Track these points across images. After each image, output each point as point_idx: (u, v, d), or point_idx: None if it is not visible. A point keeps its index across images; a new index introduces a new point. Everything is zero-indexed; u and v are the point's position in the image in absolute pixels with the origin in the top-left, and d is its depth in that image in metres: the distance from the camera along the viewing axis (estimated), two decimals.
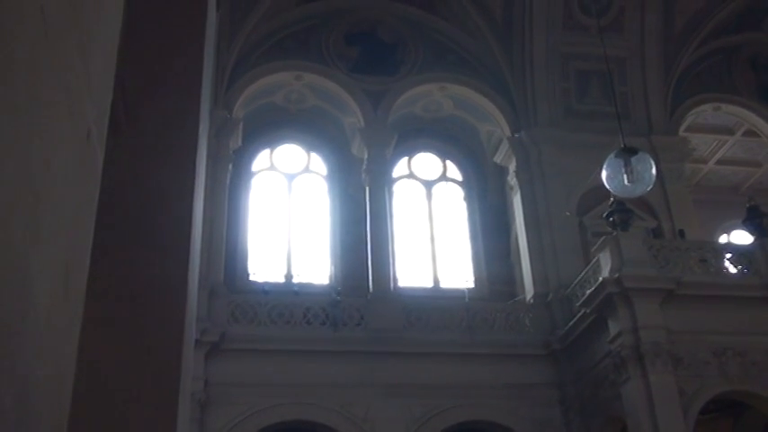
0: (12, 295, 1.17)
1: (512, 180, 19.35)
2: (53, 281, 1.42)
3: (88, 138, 1.68)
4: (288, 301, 16.62)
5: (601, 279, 14.68)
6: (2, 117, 1.14)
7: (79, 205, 1.62)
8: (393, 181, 20.47)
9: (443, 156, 21.31)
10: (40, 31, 1.30)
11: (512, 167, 19.38)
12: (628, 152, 8.98)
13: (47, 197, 1.36)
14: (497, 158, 20.03)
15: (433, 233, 20.11)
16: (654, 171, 9.05)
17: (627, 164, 8.91)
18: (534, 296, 17.51)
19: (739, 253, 15.67)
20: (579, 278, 16.29)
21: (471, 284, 19.34)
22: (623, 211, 15.16)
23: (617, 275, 14.30)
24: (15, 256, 1.20)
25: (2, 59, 1.14)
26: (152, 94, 4.59)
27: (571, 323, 16.18)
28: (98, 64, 1.75)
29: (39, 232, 1.31)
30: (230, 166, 18.10)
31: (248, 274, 18.51)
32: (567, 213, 18.04)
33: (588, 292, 15.09)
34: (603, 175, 9.20)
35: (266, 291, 17.38)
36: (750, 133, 21.72)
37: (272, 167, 20.36)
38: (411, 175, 21.06)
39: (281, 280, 18.70)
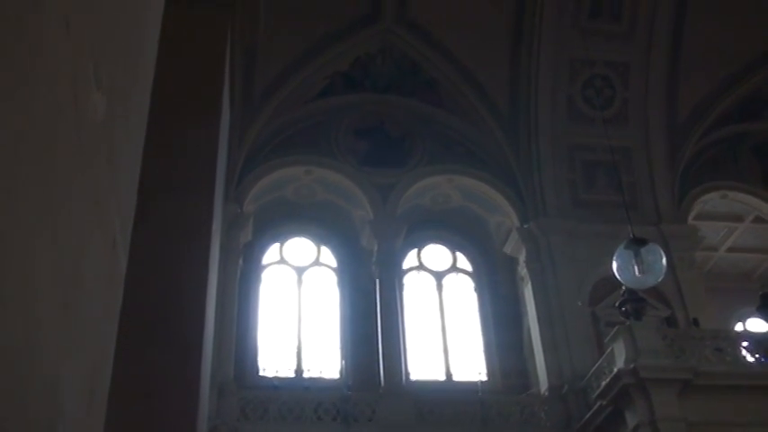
0: (43, 410, 1.21)
1: (522, 271, 19.33)
2: (80, 393, 1.45)
3: (114, 247, 1.75)
4: (298, 397, 16.41)
5: (616, 370, 14.49)
6: (41, 234, 1.20)
7: (104, 316, 1.67)
8: (403, 273, 20.46)
9: (453, 247, 21.36)
10: (77, 148, 1.38)
11: (522, 258, 19.39)
12: (637, 243, 9.02)
13: (76, 309, 1.41)
14: (507, 249, 20.07)
15: (445, 325, 19.96)
16: (664, 261, 9.06)
17: (637, 255, 8.93)
18: (549, 389, 17.24)
19: (756, 341, 15.49)
20: (594, 369, 16.08)
21: (484, 377, 19.06)
22: (636, 301, 15.07)
23: (632, 366, 14.12)
24: (47, 370, 1.24)
25: (41, 178, 1.21)
26: (165, 193, 4.70)
27: (587, 416, 15.87)
28: (124, 174, 1.83)
29: (68, 345, 1.36)
30: (240, 260, 18.19)
31: (258, 370, 18.32)
32: (579, 303, 17.94)
33: (603, 383, 14.87)
34: (614, 266, 9.21)
35: (276, 386, 17.17)
36: (760, 220, 21.78)
37: (281, 261, 20.43)
38: (421, 267, 21.06)
39: (292, 375, 18.49)
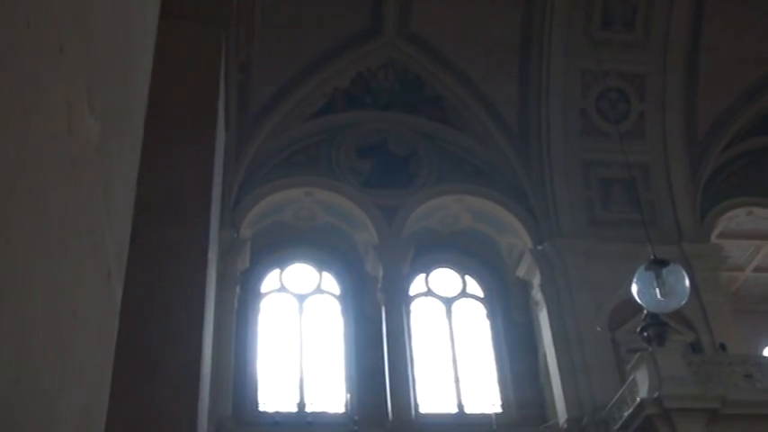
0: None
1: (537, 295, 19.30)
2: (76, 428, 1.47)
3: (108, 277, 1.77)
4: None
5: (639, 400, 14.43)
6: (33, 266, 1.23)
7: (100, 350, 1.69)
8: (410, 299, 20.43)
9: (463, 271, 21.34)
10: (70, 175, 1.41)
11: (536, 281, 19.36)
12: (658, 264, 9.01)
13: (70, 344, 1.43)
14: (520, 272, 20.05)
15: (455, 354, 19.90)
16: (687, 283, 9.06)
17: (658, 276, 8.92)
18: (568, 420, 17.14)
19: None
20: (615, 399, 16.00)
21: (498, 409, 18.96)
22: (658, 325, 15.03)
23: (656, 395, 14.06)
24: (43, 404, 1.26)
25: (33, 207, 1.24)
26: (159, 218, 4.72)
27: None
28: (119, 200, 1.85)
29: (63, 382, 1.38)
30: (238, 289, 18.19)
31: (258, 405, 18.25)
32: (598, 329, 17.89)
33: (626, 414, 14.80)
34: (634, 289, 9.20)
35: (277, 422, 17.11)
36: None
37: (281, 288, 20.42)
38: (429, 293, 21.03)
39: (294, 410, 18.41)
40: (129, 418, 3.74)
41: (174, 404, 4.08)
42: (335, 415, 18.28)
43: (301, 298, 20.36)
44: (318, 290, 20.61)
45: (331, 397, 18.82)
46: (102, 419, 1.78)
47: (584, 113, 20.30)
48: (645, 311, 14.57)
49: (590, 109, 20.31)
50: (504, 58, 20.09)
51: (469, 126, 20.53)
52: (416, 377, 18.70)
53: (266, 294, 20.20)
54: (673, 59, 20.20)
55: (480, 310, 20.91)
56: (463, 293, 21.18)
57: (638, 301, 9.58)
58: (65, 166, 1.35)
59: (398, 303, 18.97)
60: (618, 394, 15.95)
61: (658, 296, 9.08)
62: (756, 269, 22.99)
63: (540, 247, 19.41)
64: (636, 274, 9.35)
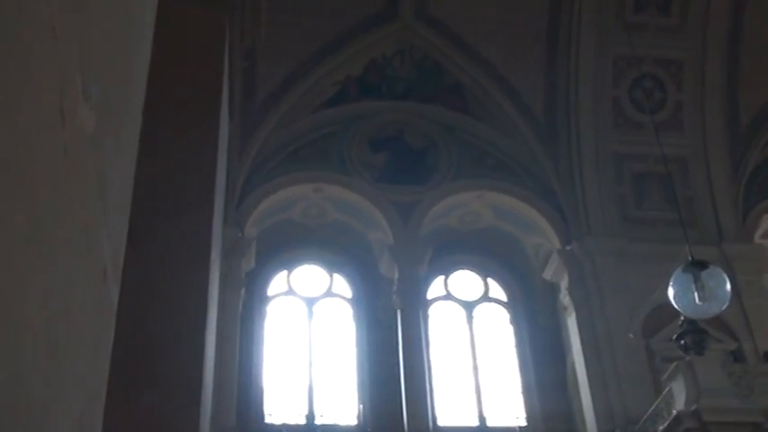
0: None
1: (564, 299, 19.26)
2: None
3: (104, 277, 1.78)
4: None
5: (675, 413, 14.38)
6: (24, 265, 1.24)
7: (95, 356, 1.70)
8: (428, 303, 20.43)
9: (485, 273, 21.32)
10: (64, 168, 1.41)
11: (564, 284, 19.32)
12: (697, 266, 8.98)
13: (64, 347, 1.44)
14: (547, 274, 20.01)
15: (477, 362, 19.89)
16: (728, 287, 9.02)
17: (697, 280, 8.89)
18: None
19: None
20: (650, 412, 15.94)
21: (523, 422, 18.95)
22: (697, 332, 14.95)
23: (694, 408, 14.01)
24: (34, 413, 1.27)
25: (24, 203, 1.25)
26: (158, 215, 4.74)
27: None
28: (115, 196, 1.86)
29: (56, 389, 1.39)
30: (242, 291, 18.25)
31: (264, 416, 18.31)
32: (631, 336, 17.84)
33: (661, 428, 14.76)
34: (671, 293, 9.18)
35: None
36: None
37: (289, 291, 20.47)
38: (448, 296, 21.02)
39: (302, 421, 18.47)
40: (125, 429, 3.76)
41: (174, 414, 4.10)
42: (347, 427, 18.31)
43: (310, 301, 20.39)
44: (329, 293, 20.63)
45: (342, 408, 18.85)
46: (98, 429, 1.79)
47: (616, 103, 20.22)
48: (682, 317, 14.51)
49: (623, 98, 20.23)
50: (529, 43, 20.03)
51: (492, 116, 20.49)
52: (434, 387, 18.70)
53: (273, 298, 20.24)
54: (712, 45, 20.08)
55: (503, 315, 20.88)
56: (485, 297, 21.15)
57: (675, 305, 9.55)
58: (57, 158, 1.36)
59: (415, 308, 18.97)
60: (652, 407, 15.90)
61: (697, 301, 9.04)
62: None
63: (568, 248, 19.36)
64: (672, 277, 9.32)
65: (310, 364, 19.36)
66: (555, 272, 19.72)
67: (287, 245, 20.46)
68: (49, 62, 1.28)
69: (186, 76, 5.23)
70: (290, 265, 20.69)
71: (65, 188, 1.42)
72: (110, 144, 1.70)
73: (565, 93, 19.99)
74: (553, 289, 20.12)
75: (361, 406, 18.81)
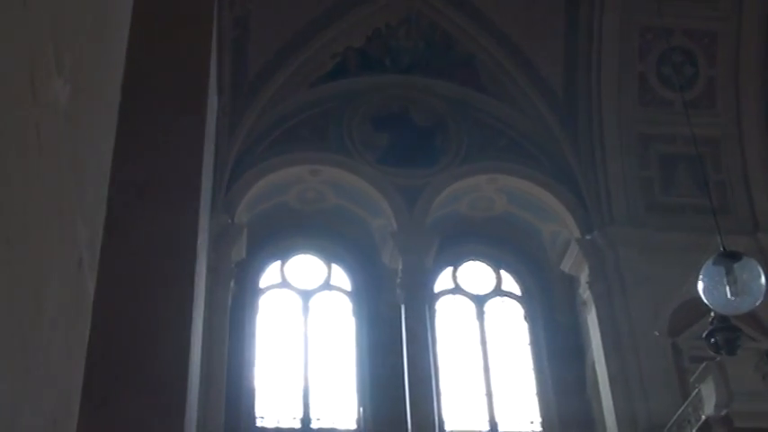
0: None
1: (584, 293, 19.28)
2: None
3: (79, 266, 1.78)
4: None
5: (704, 417, 14.42)
6: None
7: (68, 353, 1.70)
8: (435, 297, 20.46)
9: (497, 264, 21.34)
10: (35, 146, 1.41)
11: (583, 277, 19.33)
12: (729, 257, 8.97)
13: (34, 345, 1.44)
14: (565, 266, 20.02)
15: (488, 362, 19.93)
16: (763, 280, 9.00)
17: (729, 272, 8.88)
18: None
19: None
20: (676, 417, 15.99)
21: (538, 427, 19.02)
22: (728, 330, 14.93)
23: (725, 412, 14.05)
24: (4, 416, 1.27)
25: None
26: (139, 200, 4.74)
27: None
28: (92, 177, 1.86)
29: (25, 390, 1.39)
30: (232, 283, 18.27)
31: (255, 419, 18.38)
32: (657, 334, 17.88)
33: None
34: (700, 286, 9.16)
35: None
36: None
37: (283, 283, 20.50)
38: (457, 290, 21.05)
39: (297, 425, 18.53)
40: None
41: (157, 417, 4.10)
42: None
43: (306, 295, 20.42)
44: (326, 285, 20.66)
45: (340, 411, 18.91)
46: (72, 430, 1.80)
47: (642, 78, 20.17)
48: (712, 313, 14.50)
49: (650, 73, 20.18)
50: (548, 13, 19.97)
51: (507, 92, 20.46)
52: (441, 389, 18.75)
53: (265, 290, 20.27)
54: (749, 15, 20.00)
55: (517, 311, 20.91)
56: (497, 291, 21.17)
57: (705, 300, 9.55)
58: (27, 135, 1.35)
59: (421, 302, 18.99)
60: (679, 411, 15.94)
61: (729, 295, 9.04)
62: None
63: (588, 237, 19.36)
64: (702, 270, 9.30)
65: (306, 363, 19.40)
66: (574, 263, 19.73)
67: (281, 232, 20.48)
68: (17, 30, 1.27)
69: (170, 48, 5.22)
70: (284, 254, 20.71)
71: (36, 168, 1.41)
72: (86, 120, 1.69)
73: (586, 67, 19.95)
74: (572, 282, 20.13)
75: (361, 409, 18.86)
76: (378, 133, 20.39)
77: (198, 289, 4.97)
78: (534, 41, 20.08)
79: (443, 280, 20.97)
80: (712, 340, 14.98)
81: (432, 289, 20.29)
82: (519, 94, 20.35)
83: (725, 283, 8.95)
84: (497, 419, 19.26)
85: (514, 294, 21.16)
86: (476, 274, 21.31)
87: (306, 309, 20.22)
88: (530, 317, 20.70)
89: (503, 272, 21.33)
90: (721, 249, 9.24)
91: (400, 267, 19.24)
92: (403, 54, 20.60)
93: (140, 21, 3.02)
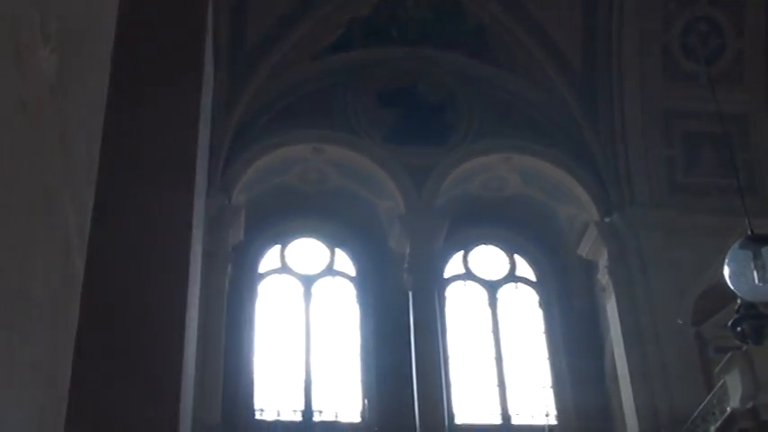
0: None
1: (603, 278, 19.28)
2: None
3: (68, 249, 1.78)
4: None
5: (729, 410, 14.45)
6: None
7: (56, 341, 1.70)
8: (445, 283, 20.49)
9: (510, 249, 21.34)
10: (20, 120, 1.40)
11: (602, 262, 19.33)
12: (757, 241, 8.97)
13: (20, 334, 1.44)
14: (583, 251, 20.01)
15: (500, 351, 19.97)
16: None
17: (757, 257, 8.88)
18: None
19: None
20: (700, 409, 16.02)
21: (553, 420, 19.06)
22: (755, 318, 14.93)
23: (751, 405, 14.07)
24: None
25: None
26: (131, 180, 4.74)
27: None
28: (81, 154, 1.86)
29: (11, 381, 1.39)
30: (229, 268, 18.30)
31: (254, 411, 18.45)
32: (680, 321, 17.89)
33: (713, 428, 14.82)
34: (726, 272, 9.17)
35: None
36: None
37: (284, 268, 20.53)
38: (468, 275, 21.07)
39: (298, 418, 18.61)
40: (94, 425, 3.79)
41: (150, 409, 4.11)
42: (349, 425, 18.43)
43: (308, 280, 20.45)
44: (329, 270, 20.69)
45: (344, 403, 18.97)
46: (60, 424, 1.80)
47: (665, 50, 20.09)
48: (738, 300, 14.51)
49: (673, 45, 20.09)
50: None
51: (521, 65, 20.40)
52: (451, 380, 18.80)
53: (265, 275, 20.31)
54: None
55: (532, 298, 20.94)
56: (511, 276, 21.20)
57: (731, 286, 9.55)
58: (12, 108, 1.35)
59: (429, 288, 19.01)
60: (703, 403, 15.97)
61: (756, 281, 9.04)
62: None
63: (607, 220, 19.35)
64: (728, 254, 9.31)
65: (307, 352, 19.46)
66: (592, 248, 19.72)
67: (281, 214, 20.49)
68: None
69: (163, 18, 5.20)
70: (284, 237, 20.73)
71: (21, 143, 1.41)
72: (74, 92, 1.69)
73: (606, 39, 19.87)
74: (589, 267, 20.13)
75: (366, 401, 18.91)
76: (384, 109, 20.35)
77: (193, 274, 4.97)
78: (549, 10, 19.97)
79: (454, 265, 20.99)
80: (738, 329, 14.99)
81: (441, 274, 20.31)
82: (534, 67, 20.29)
83: (752, 268, 8.96)
84: (510, 412, 19.31)
85: (529, 280, 21.18)
86: (488, 258, 21.33)
87: (307, 295, 20.26)
88: (545, 304, 20.72)
89: (516, 256, 21.35)
90: (749, 232, 9.24)
91: (408, 252, 19.25)
92: (411, 24, 20.53)
93: None
